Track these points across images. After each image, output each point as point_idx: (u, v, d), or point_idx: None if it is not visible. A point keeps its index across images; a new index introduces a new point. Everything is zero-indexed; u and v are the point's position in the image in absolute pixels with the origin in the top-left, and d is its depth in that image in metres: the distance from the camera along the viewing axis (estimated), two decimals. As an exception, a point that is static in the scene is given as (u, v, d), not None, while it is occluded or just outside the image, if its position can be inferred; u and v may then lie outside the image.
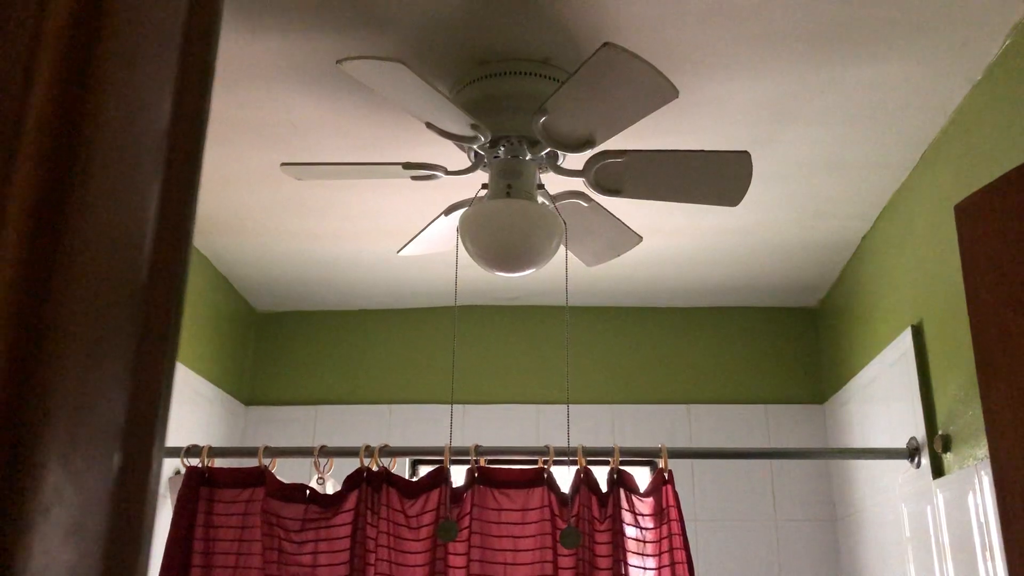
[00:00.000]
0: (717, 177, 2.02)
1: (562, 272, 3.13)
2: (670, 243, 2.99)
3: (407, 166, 2.09)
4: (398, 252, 2.44)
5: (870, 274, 2.86)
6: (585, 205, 2.20)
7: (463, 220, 1.98)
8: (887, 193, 2.62)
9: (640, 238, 2.37)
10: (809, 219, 2.79)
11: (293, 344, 3.61)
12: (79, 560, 0.26)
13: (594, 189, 2.09)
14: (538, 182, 2.07)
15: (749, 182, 2.01)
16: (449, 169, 2.09)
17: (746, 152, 1.95)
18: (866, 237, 2.90)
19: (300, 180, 2.31)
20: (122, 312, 0.31)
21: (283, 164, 2.10)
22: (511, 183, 2.00)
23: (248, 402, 3.51)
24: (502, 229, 1.93)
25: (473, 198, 2.13)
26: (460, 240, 2.01)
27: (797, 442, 3.32)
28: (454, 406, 3.42)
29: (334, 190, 2.61)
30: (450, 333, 3.53)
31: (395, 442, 3.32)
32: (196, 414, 3.03)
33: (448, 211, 2.21)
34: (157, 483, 0.36)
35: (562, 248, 2.68)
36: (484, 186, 2.10)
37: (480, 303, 3.58)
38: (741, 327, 3.54)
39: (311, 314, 3.65)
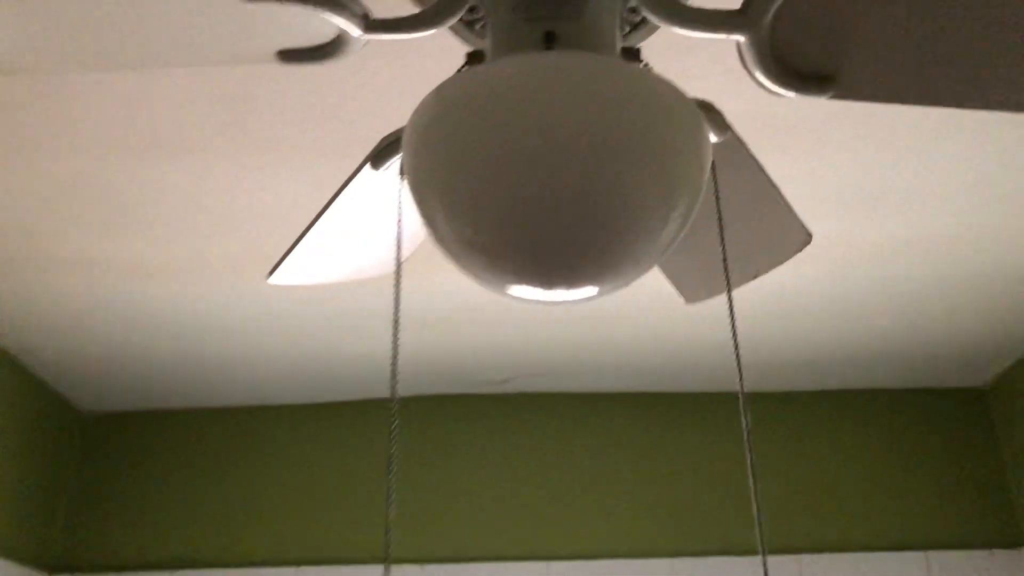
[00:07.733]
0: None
1: (575, 337, 2.20)
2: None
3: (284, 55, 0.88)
4: (268, 279, 1.20)
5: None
6: (716, 140, 0.93)
7: (420, 120, 0.76)
8: None
9: (809, 235, 1.17)
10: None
11: (127, 473, 2.73)
12: None
13: (763, 75, 0.83)
14: (620, 41, 0.82)
15: None
16: (368, 26, 0.81)
17: None
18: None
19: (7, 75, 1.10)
20: None
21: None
22: (554, 28, 0.75)
23: (53, 570, 2.60)
24: (546, 123, 0.71)
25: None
26: (413, 190, 0.80)
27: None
28: (397, 567, 2.51)
29: (134, 174, 1.40)
30: (385, 444, 2.64)
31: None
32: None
33: (376, 157, 0.94)
34: None
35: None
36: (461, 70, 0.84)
37: (442, 391, 2.69)
38: (870, 420, 2.70)
39: (147, 416, 2.74)
